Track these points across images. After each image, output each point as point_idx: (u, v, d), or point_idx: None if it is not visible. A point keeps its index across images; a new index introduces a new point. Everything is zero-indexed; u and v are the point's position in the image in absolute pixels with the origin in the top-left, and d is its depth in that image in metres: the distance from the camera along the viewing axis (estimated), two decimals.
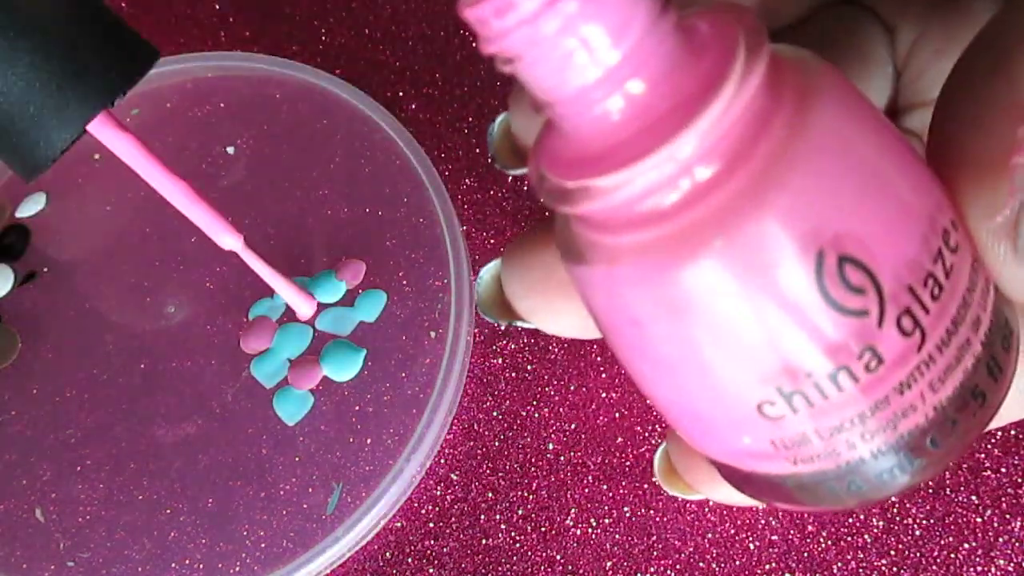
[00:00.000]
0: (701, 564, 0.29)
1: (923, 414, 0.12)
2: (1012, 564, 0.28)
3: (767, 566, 0.28)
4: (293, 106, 0.35)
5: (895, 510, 0.29)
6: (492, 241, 0.34)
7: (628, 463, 0.30)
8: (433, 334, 0.31)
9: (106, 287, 0.34)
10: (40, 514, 0.31)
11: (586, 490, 0.30)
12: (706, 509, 0.29)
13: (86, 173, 0.35)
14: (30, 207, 0.35)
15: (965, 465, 0.29)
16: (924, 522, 0.29)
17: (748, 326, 0.12)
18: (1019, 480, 0.29)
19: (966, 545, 0.28)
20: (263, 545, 0.29)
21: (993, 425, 0.18)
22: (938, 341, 0.12)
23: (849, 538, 0.29)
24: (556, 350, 0.32)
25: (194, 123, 0.36)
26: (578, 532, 0.29)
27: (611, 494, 0.30)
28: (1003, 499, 0.29)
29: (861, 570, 0.28)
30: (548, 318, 0.17)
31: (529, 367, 0.32)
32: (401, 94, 0.37)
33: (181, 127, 0.36)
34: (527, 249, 0.17)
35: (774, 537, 0.29)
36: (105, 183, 0.35)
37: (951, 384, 0.12)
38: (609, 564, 0.29)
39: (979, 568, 0.28)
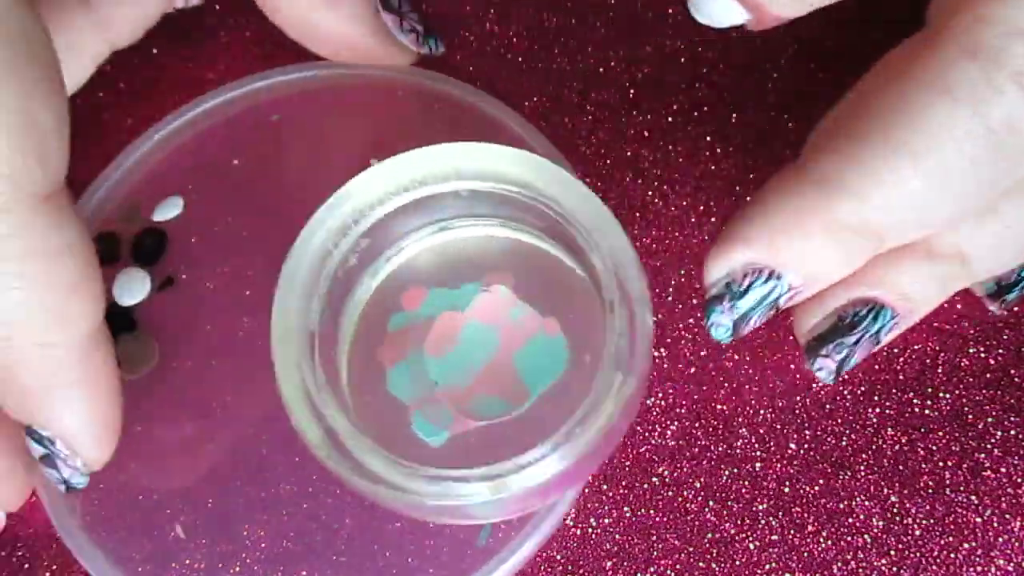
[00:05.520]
0: (701, 564, 0.29)
1: None
2: (1012, 564, 0.28)
3: (767, 566, 0.28)
4: (293, 107, 0.35)
5: (895, 510, 0.29)
6: None
7: (628, 463, 0.30)
8: None
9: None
10: None
11: (586, 490, 0.30)
12: (706, 509, 0.29)
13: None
14: (167, 211, 0.34)
15: (965, 465, 0.29)
16: (924, 522, 0.29)
17: None
18: (1019, 480, 0.29)
19: (966, 545, 0.28)
20: (263, 545, 0.29)
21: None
22: None
23: (849, 538, 0.29)
24: None
25: (195, 123, 0.36)
26: (578, 532, 0.29)
27: (611, 494, 0.30)
28: (1003, 499, 0.29)
29: (861, 570, 0.28)
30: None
31: None
32: None
33: (183, 127, 0.36)
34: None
35: (774, 537, 0.29)
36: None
37: None
38: (609, 564, 0.29)
39: (979, 568, 0.28)
